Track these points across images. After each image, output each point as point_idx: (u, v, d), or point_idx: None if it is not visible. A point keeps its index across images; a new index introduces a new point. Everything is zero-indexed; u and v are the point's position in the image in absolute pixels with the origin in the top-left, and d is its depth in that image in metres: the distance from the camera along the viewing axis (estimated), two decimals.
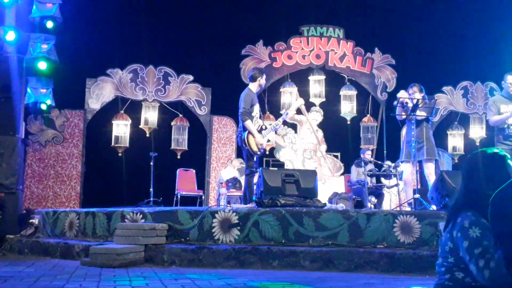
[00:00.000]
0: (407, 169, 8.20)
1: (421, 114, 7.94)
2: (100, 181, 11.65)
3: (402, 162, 8.40)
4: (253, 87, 7.58)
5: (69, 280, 4.87)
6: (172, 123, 11.97)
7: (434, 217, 6.24)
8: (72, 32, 10.93)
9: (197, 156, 12.15)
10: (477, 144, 12.94)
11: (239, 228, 6.40)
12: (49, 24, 10.08)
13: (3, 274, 5.35)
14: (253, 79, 7.59)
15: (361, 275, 5.60)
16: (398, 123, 10.75)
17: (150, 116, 11.83)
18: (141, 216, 6.86)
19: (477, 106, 12.99)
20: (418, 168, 8.26)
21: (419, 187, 8.80)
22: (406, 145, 8.23)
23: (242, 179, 11.22)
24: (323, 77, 12.59)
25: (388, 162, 10.79)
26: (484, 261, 2.28)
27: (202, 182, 11.82)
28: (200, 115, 12.09)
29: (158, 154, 10.84)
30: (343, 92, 12.69)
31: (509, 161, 2.59)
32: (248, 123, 7.29)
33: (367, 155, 10.63)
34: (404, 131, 12.55)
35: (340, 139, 12.92)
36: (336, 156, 12.73)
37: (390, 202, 11.35)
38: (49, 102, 10.62)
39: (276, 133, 12.36)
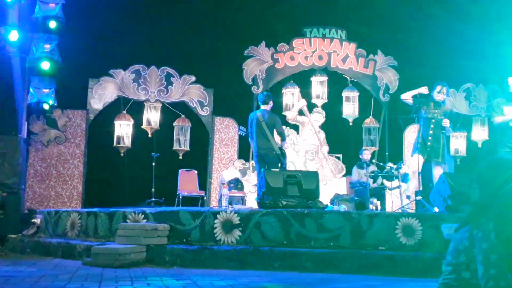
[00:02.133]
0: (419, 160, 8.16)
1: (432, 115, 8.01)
2: (102, 181, 11.65)
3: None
4: (268, 108, 8.67)
5: (70, 280, 4.87)
6: (174, 124, 11.97)
7: (436, 219, 6.24)
8: (75, 32, 10.94)
9: (199, 157, 12.14)
10: (480, 146, 12.93)
11: (240, 229, 6.40)
12: (52, 24, 10.10)
13: (5, 274, 5.36)
14: (265, 102, 8.68)
15: (363, 277, 5.59)
16: (400, 124, 10.77)
17: (152, 117, 11.83)
18: (143, 216, 6.86)
19: (480, 108, 12.97)
20: (421, 170, 8.25)
21: (420, 189, 8.79)
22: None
23: (244, 180, 11.27)
24: (325, 78, 12.58)
25: (390, 164, 10.78)
26: (495, 272, 2.28)
27: (204, 183, 11.81)
28: (202, 115, 12.09)
29: (160, 154, 10.85)
30: (345, 93, 12.68)
31: None
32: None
33: (365, 155, 10.61)
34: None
35: (342, 140, 12.91)
36: (338, 158, 12.71)
37: (392, 204, 11.34)
38: (51, 102, 10.65)
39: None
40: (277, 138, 8.82)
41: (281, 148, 8.54)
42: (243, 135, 9.67)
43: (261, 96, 8.84)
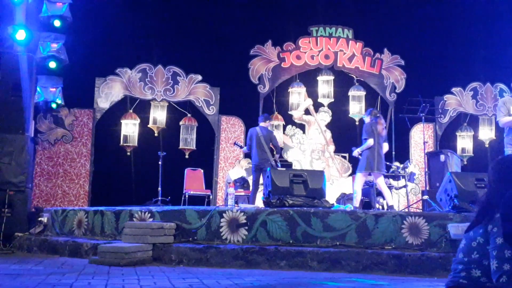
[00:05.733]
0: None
1: None
2: (109, 180, 11.69)
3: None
4: (265, 125, 9.69)
5: (77, 278, 4.89)
6: (181, 123, 11.99)
7: (442, 218, 6.22)
8: (82, 31, 10.98)
9: (205, 156, 12.17)
10: (486, 145, 12.88)
11: (246, 228, 6.40)
12: (57, 23, 10.14)
13: (12, 272, 5.38)
14: (264, 121, 9.70)
15: (369, 276, 5.58)
16: (407, 124, 10.74)
17: (158, 116, 11.86)
18: (149, 215, 6.88)
19: (487, 107, 12.93)
20: (427, 170, 8.24)
21: (427, 188, 8.78)
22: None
23: (250, 179, 11.26)
24: (331, 77, 12.57)
25: (397, 163, 10.76)
26: (509, 267, 2.28)
27: (210, 182, 11.83)
28: (208, 114, 12.11)
29: (166, 153, 10.87)
30: (351, 92, 12.67)
31: None
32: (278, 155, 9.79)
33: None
34: (413, 133, 12.53)
35: (349, 139, 12.86)
36: (344, 157, 12.70)
37: (398, 203, 11.31)
38: (58, 101, 10.69)
39: (284, 133, 12.38)
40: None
41: (275, 160, 9.53)
42: (239, 148, 10.69)
43: (261, 117, 9.87)
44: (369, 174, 8.62)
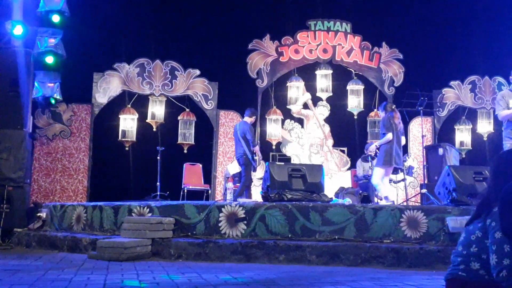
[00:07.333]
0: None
1: None
2: (107, 175, 11.69)
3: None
4: (249, 121, 9.60)
5: (76, 273, 4.89)
6: (179, 118, 11.98)
7: (441, 212, 6.23)
8: (80, 26, 10.94)
9: (204, 151, 12.16)
10: (485, 139, 12.89)
11: (245, 222, 6.41)
12: (55, 18, 10.10)
13: (12, 267, 5.39)
14: (252, 115, 9.69)
15: (368, 269, 5.60)
16: (405, 117, 10.73)
17: (157, 111, 11.84)
18: (148, 210, 6.89)
19: (485, 100, 12.92)
20: (426, 163, 8.24)
21: (426, 182, 8.78)
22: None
23: None
24: (330, 71, 12.55)
25: None
26: (509, 262, 2.28)
27: (208, 177, 11.83)
28: (206, 109, 12.09)
29: (165, 148, 10.86)
30: (350, 86, 12.65)
31: None
32: (257, 148, 9.61)
33: (370, 151, 10.54)
34: (412, 127, 12.53)
35: (347, 133, 12.89)
36: (342, 151, 12.71)
37: (397, 197, 11.31)
38: (56, 96, 10.66)
39: (282, 127, 12.38)
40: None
41: (253, 153, 9.47)
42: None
43: (247, 112, 9.77)
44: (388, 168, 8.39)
